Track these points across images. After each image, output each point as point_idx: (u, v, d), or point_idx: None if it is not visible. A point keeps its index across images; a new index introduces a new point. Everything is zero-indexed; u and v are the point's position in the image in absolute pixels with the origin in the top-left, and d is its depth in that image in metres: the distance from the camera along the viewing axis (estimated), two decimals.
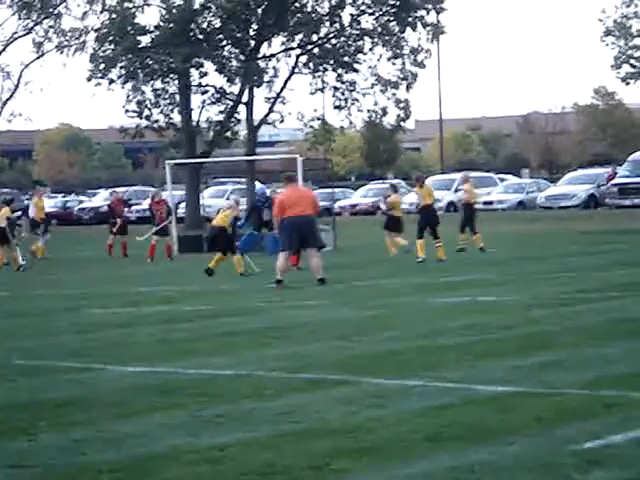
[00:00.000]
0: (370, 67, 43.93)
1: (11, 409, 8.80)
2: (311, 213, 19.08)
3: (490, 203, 51.07)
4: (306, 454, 7.06)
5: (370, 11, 43.51)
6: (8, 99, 49.91)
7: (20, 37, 48.83)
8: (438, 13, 43.91)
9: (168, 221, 29.28)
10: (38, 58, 48.93)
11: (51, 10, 46.78)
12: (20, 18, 47.82)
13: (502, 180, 56.80)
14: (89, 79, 42.92)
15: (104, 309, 16.48)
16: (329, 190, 43.25)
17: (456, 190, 53.31)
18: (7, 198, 29.46)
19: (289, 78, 44.27)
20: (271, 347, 11.78)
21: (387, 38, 43.01)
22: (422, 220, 25.06)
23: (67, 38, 47.05)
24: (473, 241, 27.28)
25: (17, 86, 49.63)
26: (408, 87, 43.74)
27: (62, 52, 47.38)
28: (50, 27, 47.59)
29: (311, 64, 44.13)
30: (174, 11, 42.51)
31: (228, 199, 56.55)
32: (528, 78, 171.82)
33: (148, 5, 43.95)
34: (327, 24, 43.94)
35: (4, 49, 49.43)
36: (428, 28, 43.12)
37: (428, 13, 43.22)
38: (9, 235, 26.74)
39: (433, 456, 6.92)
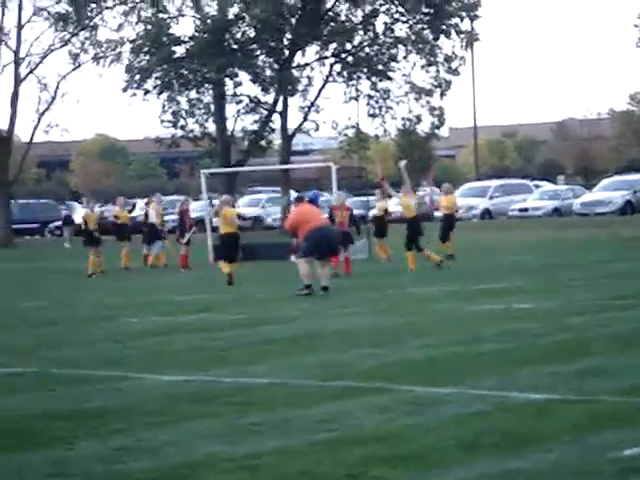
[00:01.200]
0: (404, 75, 44.00)
1: (50, 418, 8.88)
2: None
3: (525, 210, 50.90)
4: (343, 462, 7.08)
5: (404, 19, 43.56)
6: (45, 110, 50.30)
7: (57, 49, 49.26)
8: (472, 20, 43.91)
9: (192, 232, 29.06)
10: (74, 70, 49.32)
11: (87, 22, 47.14)
12: (57, 30, 48.24)
13: (537, 187, 56.60)
14: (125, 90, 43.26)
15: (141, 318, 16.58)
16: (363, 198, 43.26)
17: (491, 197, 53.22)
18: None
19: (323, 87, 44.40)
20: (306, 355, 11.81)
21: (421, 46, 43.05)
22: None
23: (103, 49, 47.40)
24: (441, 247, 26.81)
25: (54, 97, 50.02)
26: (442, 94, 43.76)
27: (98, 63, 47.74)
28: (86, 39, 47.97)
29: (345, 73, 44.23)
30: (209, 21, 42.76)
31: (263, 207, 56.98)
32: (563, 84, 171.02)
33: (183, 16, 44.26)
34: (361, 32, 44.04)
35: (41, 61, 49.86)
36: (462, 35, 43.12)
37: (462, 20, 43.24)
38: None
39: (469, 464, 6.92)
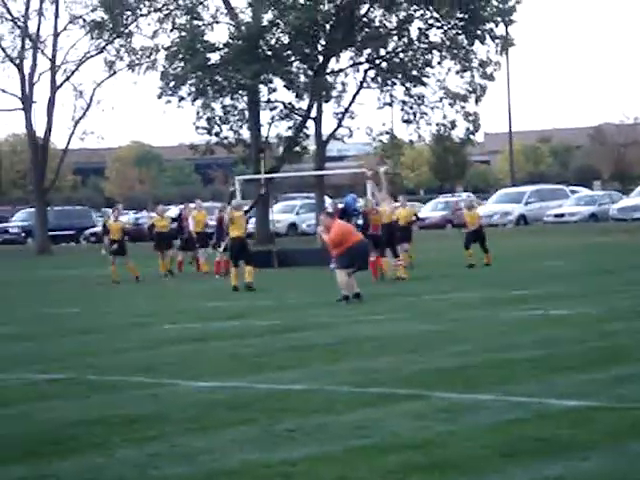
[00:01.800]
0: (439, 80, 43.90)
1: (86, 424, 8.89)
2: None
3: (562, 215, 50.63)
4: (378, 469, 7.03)
5: (438, 25, 43.46)
6: (81, 117, 50.59)
7: (92, 57, 49.55)
8: (507, 25, 43.74)
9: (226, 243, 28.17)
10: (110, 77, 49.60)
11: (122, 29, 47.39)
12: (92, 38, 48.52)
13: (574, 192, 56.31)
14: (160, 96, 43.44)
15: (175, 324, 16.60)
16: (397, 204, 43.14)
17: (526, 203, 52.97)
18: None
19: (357, 93, 44.38)
20: (341, 361, 11.77)
21: (455, 51, 42.93)
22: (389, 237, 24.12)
23: (138, 57, 47.61)
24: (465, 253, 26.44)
25: (89, 105, 50.30)
26: (477, 100, 43.62)
27: (133, 70, 47.97)
28: (121, 46, 48.22)
29: (379, 78, 44.19)
30: (243, 28, 42.85)
31: (297, 214, 56.98)
32: (599, 89, 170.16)
33: (217, 23, 44.39)
34: (395, 38, 43.98)
35: (77, 69, 50.15)
36: (497, 41, 42.97)
37: (497, 26, 43.09)
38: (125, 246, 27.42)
39: (507, 471, 6.85)
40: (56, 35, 49.66)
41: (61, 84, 50.06)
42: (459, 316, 15.76)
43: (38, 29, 49.99)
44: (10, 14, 49.60)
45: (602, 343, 12.26)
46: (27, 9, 49.54)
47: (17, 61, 49.90)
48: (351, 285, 18.99)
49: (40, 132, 50.78)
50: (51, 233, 52.35)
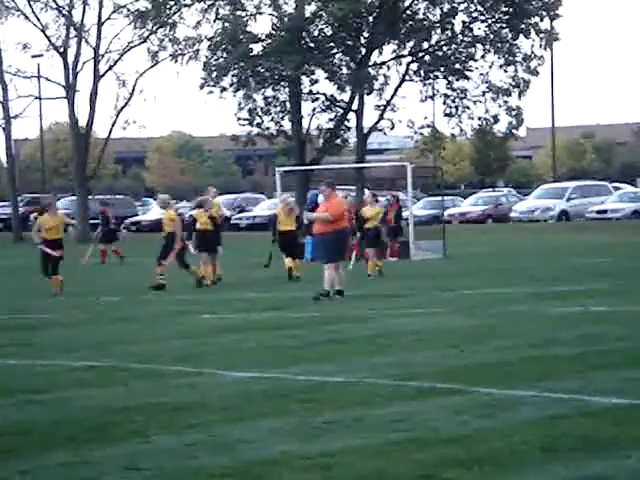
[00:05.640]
0: (482, 74, 43.61)
1: (126, 412, 8.93)
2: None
3: (604, 212, 50.25)
4: (417, 463, 7.00)
5: (483, 18, 43.20)
6: (123, 107, 50.83)
7: (135, 46, 49.75)
8: (552, 19, 43.38)
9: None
10: (152, 67, 49.77)
11: (165, 19, 47.51)
12: (136, 27, 48.70)
13: (617, 189, 55.87)
14: (201, 87, 43.48)
15: (214, 314, 16.64)
16: (439, 198, 43.02)
17: (568, 199, 52.63)
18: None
19: (399, 85, 44.20)
20: (380, 355, 11.74)
21: (499, 45, 42.65)
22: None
23: (181, 47, 47.72)
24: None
25: (132, 94, 50.52)
26: (520, 94, 43.31)
27: (176, 61, 48.08)
28: (165, 36, 48.36)
29: (422, 71, 43.98)
30: (286, 19, 42.81)
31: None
32: None
33: (260, 13, 44.35)
34: (438, 31, 43.76)
35: (120, 58, 50.37)
36: (542, 35, 42.64)
37: (542, 20, 42.74)
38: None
39: (547, 468, 6.80)
40: (100, 24, 49.89)
41: (104, 73, 50.31)
42: (499, 311, 15.67)
43: (82, 18, 50.27)
44: (55, 3, 49.91)
45: None
46: None
47: (61, 50, 50.20)
48: (338, 281, 18.65)
49: (82, 121, 51.10)
50: (92, 222, 52.61)
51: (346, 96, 44.07)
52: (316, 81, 43.98)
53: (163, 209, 23.57)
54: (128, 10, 48.84)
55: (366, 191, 30.19)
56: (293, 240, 23.63)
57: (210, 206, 23.31)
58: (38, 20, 50.12)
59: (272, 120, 44.46)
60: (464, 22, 43.33)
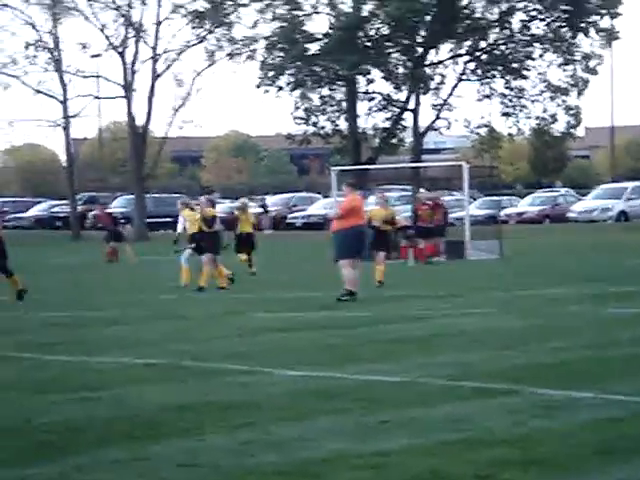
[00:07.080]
0: (540, 73, 43.35)
1: (181, 409, 8.96)
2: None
3: None
4: (472, 463, 6.95)
5: (541, 17, 42.92)
6: (180, 106, 51.17)
7: (193, 46, 50.05)
8: (612, 18, 42.99)
9: None
10: (210, 66, 50.04)
11: (223, 19, 47.74)
12: (193, 27, 49.00)
13: None
14: (258, 86, 43.65)
15: (269, 313, 16.67)
16: (495, 198, 42.79)
17: (627, 199, 52.08)
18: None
19: (456, 85, 44.08)
20: (435, 354, 11.68)
21: (558, 44, 42.34)
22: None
23: (238, 46, 47.93)
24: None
25: (189, 93, 50.85)
26: (579, 94, 42.99)
27: (233, 60, 48.32)
28: (222, 35, 48.60)
29: (479, 71, 43.81)
30: (342, 19, 42.83)
31: (393, 206, 56.76)
32: None
33: (317, 13, 44.45)
34: (496, 30, 43.55)
35: (178, 57, 50.73)
36: (601, 34, 42.27)
37: (602, 18, 42.37)
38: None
39: (606, 470, 6.71)
40: (158, 24, 50.27)
41: (162, 73, 50.69)
42: (555, 312, 15.54)
43: (141, 18, 50.71)
44: (114, 3, 50.35)
45: None
46: None
47: (120, 50, 50.63)
48: (356, 282, 18.32)
49: (140, 120, 51.48)
50: (149, 220, 52.99)
51: (402, 95, 44.04)
52: (372, 80, 43.99)
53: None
54: (186, 10, 49.15)
55: (376, 192, 29.88)
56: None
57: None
58: (97, 20, 50.65)
59: (328, 119, 44.54)
60: (522, 21, 43.10)
